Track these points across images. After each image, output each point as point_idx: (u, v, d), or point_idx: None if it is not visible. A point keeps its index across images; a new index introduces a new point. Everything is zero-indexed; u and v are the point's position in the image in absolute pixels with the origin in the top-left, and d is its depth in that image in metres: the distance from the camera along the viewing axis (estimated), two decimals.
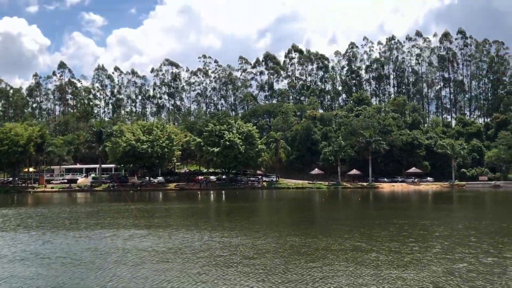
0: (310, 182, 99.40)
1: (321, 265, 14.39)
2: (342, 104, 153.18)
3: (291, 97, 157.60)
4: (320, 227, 25.96)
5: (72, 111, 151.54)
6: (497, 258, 15.19)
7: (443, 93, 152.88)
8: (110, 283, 12.52)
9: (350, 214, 34.23)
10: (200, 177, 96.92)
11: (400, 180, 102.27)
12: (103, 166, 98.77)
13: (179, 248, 17.93)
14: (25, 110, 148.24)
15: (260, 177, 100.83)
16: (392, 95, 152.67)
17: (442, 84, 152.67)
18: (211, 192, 79.64)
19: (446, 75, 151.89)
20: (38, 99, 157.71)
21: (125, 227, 25.80)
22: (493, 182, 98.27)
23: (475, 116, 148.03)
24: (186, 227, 25.97)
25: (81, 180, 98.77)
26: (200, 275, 13.22)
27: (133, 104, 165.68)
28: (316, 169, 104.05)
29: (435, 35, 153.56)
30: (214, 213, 37.70)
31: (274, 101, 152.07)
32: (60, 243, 19.81)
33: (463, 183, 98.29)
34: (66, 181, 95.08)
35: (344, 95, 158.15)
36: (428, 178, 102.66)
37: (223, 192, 77.47)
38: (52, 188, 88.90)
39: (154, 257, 16.15)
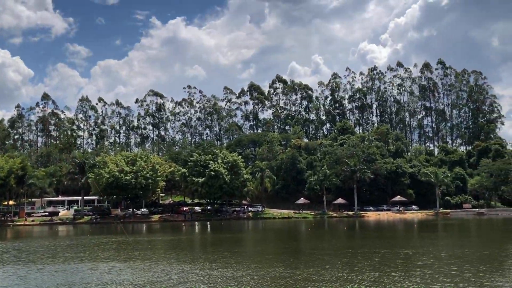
0: (296, 211, 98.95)
1: None
2: (326, 133, 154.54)
3: (276, 126, 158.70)
4: (304, 257, 25.61)
5: (54, 142, 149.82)
6: (478, 287, 15.07)
7: (425, 122, 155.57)
8: None
9: (334, 244, 33.91)
10: (184, 208, 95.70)
11: (385, 208, 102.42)
12: (86, 198, 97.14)
13: (157, 281, 17.45)
14: (7, 142, 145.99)
15: (245, 207, 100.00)
16: (375, 124, 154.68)
17: (424, 113, 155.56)
18: (196, 223, 78.54)
19: (427, 104, 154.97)
20: (20, 130, 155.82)
21: (104, 260, 25.12)
22: (477, 209, 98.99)
23: (457, 144, 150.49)
24: (167, 259, 25.39)
25: (63, 212, 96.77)
26: None
27: (117, 135, 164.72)
28: (302, 198, 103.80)
29: (415, 65, 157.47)
30: (198, 244, 37.05)
31: (259, 131, 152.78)
32: (35, 278, 19.12)
33: (448, 211, 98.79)
34: (47, 213, 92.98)
35: (328, 125, 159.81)
36: (413, 206, 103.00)
37: (208, 223, 76.47)
38: (32, 221, 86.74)
39: None
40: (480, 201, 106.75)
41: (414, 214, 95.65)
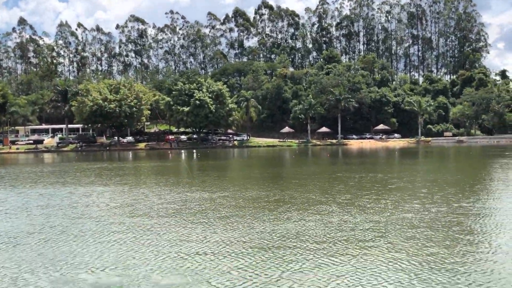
0: (281, 140, 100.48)
1: (269, 215, 14.84)
2: (312, 62, 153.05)
3: (261, 55, 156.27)
4: (281, 181, 26.45)
5: (34, 69, 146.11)
6: (444, 208, 15.92)
7: (411, 50, 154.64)
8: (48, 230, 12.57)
9: (314, 170, 34.92)
10: (170, 137, 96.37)
11: (368, 136, 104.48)
12: (70, 126, 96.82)
13: (134, 203, 18.08)
14: None
15: (231, 136, 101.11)
16: (362, 53, 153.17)
17: (410, 41, 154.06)
18: (182, 151, 79.49)
19: (415, 32, 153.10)
20: None
21: (84, 184, 25.68)
22: (457, 137, 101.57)
23: (441, 74, 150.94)
24: (148, 183, 26.05)
25: (48, 140, 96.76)
26: (151, 226, 13.44)
27: (98, 62, 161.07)
28: (287, 127, 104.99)
29: None
30: (182, 170, 37.80)
31: (245, 59, 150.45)
32: (14, 201, 19.64)
33: (429, 139, 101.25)
34: (31, 141, 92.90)
35: (314, 53, 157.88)
36: (395, 135, 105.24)
37: (194, 151, 77.46)
38: (17, 149, 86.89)
39: (102, 212, 16.26)
40: (461, 129, 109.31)
41: (396, 142, 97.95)
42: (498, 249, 10.64)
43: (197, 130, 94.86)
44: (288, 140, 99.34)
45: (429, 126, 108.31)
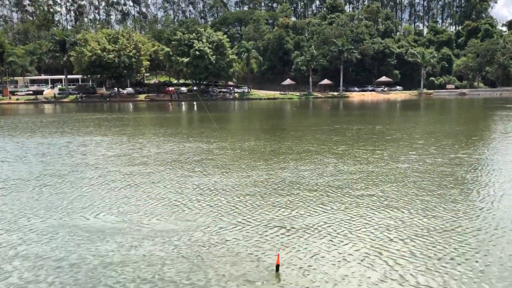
0: (282, 92, 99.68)
1: (265, 165, 14.98)
2: (315, 11, 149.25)
3: (263, 4, 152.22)
4: (279, 133, 26.48)
5: (31, 18, 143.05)
6: (439, 158, 16.00)
7: (416, 0, 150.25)
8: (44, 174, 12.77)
9: (313, 122, 34.89)
10: (170, 88, 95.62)
11: (370, 89, 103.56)
12: (69, 77, 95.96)
13: (130, 153, 18.21)
14: None
15: (231, 88, 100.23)
16: (366, 2, 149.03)
17: None
18: (182, 103, 79.17)
19: None
20: None
21: (83, 134, 25.80)
22: (459, 90, 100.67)
23: (447, 24, 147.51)
24: (146, 134, 26.13)
25: (47, 91, 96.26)
26: (147, 174, 13.59)
27: (96, 11, 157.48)
28: (288, 79, 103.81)
29: None
30: (181, 121, 37.83)
31: (246, 8, 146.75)
32: (10, 150, 19.83)
33: (431, 91, 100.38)
34: (31, 92, 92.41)
35: (317, 2, 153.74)
36: (397, 87, 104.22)
37: (195, 103, 77.15)
38: (17, 99, 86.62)
39: (99, 160, 16.42)
40: (464, 82, 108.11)
41: (398, 95, 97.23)
42: (487, 197, 10.80)
43: (197, 82, 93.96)
44: (289, 92, 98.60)
45: (432, 78, 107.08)
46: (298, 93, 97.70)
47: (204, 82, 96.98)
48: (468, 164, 14.87)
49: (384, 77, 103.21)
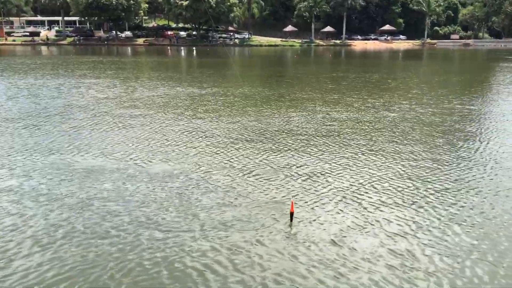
0: (283, 39, 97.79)
1: (256, 110, 15.04)
2: None
3: None
4: (275, 80, 26.31)
5: None
6: (431, 108, 16.02)
7: None
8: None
9: (311, 70, 34.54)
10: (169, 33, 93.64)
11: (373, 37, 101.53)
12: (66, 19, 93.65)
13: (118, 96, 18.20)
14: None
15: (232, 34, 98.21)
16: None
17: None
18: (182, 48, 77.96)
19: None
20: None
21: (76, 77, 25.64)
22: (463, 40, 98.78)
23: None
24: (139, 78, 25.93)
25: (44, 33, 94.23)
26: (136, 116, 13.67)
27: None
28: (290, 26, 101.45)
29: None
30: (178, 66, 37.44)
31: None
32: (3, 88, 19.86)
33: (435, 41, 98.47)
34: (28, 34, 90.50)
35: None
36: (401, 36, 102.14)
37: (194, 48, 75.97)
38: (13, 41, 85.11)
39: (90, 102, 16.46)
40: (469, 32, 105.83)
41: (401, 44, 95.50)
42: (472, 146, 10.91)
43: (197, 26, 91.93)
44: (291, 39, 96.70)
45: (436, 28, 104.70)
46: (299, 41, 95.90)
47: (203, 27, 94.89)
48: (460, 114, 14.91)
49: (387, 25, 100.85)
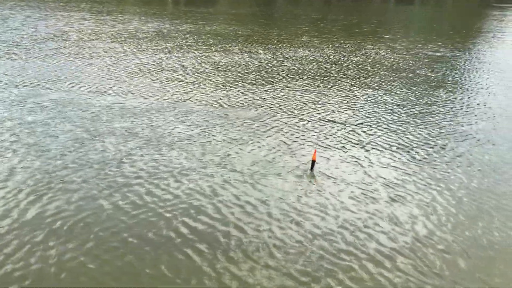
0: None
1: (230, 48, 15.53)
2: None
3: None
4: (253, 17, 26.14)
5: None
6: (396, 54, 16.53)
7: None
8: None
9: (298, 10, 34.27)
10: None
11: None
12: None
13: (92, 29, 18.33)
14: None
15: None
16: None
17: None
18: None
19: None
20: None
21: (49, 10, 25.01)
22: None
23: None
24: (115, 13, 25.46)
25: None
26: (101, 50, 14.04)
27: None
28: None
29: None
30: (164, 2, 36.65)
31: None
32: None
33: None
34: None
35: None
36: None
37: None
38: None
39: (57, 38, 16.51)
40: None
41: None
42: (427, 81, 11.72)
43: None
44: None
45: None
46: None
47: None
48: (428, 60, 15.58)
49: None
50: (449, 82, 12.39)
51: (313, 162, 6.31)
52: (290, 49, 16.21)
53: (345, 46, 17.34)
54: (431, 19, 32.96)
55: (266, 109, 9.29)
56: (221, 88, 10.69)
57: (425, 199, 5.75)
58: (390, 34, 21.41)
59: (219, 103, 9.54)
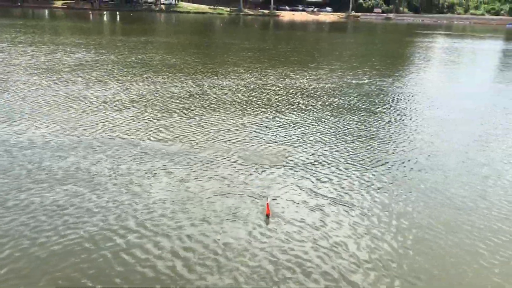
0: (211, 7, 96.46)
1: (155, 77, 15.34)
2: None
3: None
4: (185, 47, 26.36)
5: None
6: (317, 83, 17.05)
7: None
8: None
9: (229, 39, 34.80)
10: None
11: (300, 9, 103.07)
12: None
13: (29, 61, 17.62)
14: None
15: None
16: None
17: None
18: (104, 12, 74.55)
19: None
20: None
21: None
22: (386, 14, 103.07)
23: None
24: (48, 42, 24.86)
25: None
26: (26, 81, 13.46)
27: None
28: None
29: None
30: (96, 32, 36.07)
31: None
32: None
33: (359, 14, 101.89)
34: None
35: None
36: (327, 8, 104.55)
37: (118, 13, 73.01)
38: None
39: None
40: (390, 6, 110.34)
41: (327, 16, 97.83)
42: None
43: None
44: (220, 7, 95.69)
45: (360, 1, 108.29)
46: (228, 9, 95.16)
47: None
48: (337, 88, 16.08)
49: None
50: (373, 109, 12.69)
51: (267, 216, 5.79)
52: (213, 78, 16.13)
53: (270, 74, 17.41)
54: (359, 46, 34.46)
55: (182, 140, 9.03)
56: (137, 119, 10.36)
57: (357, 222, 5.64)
58: (316, 62, 21.91)
59: (136, 134, 9.17)
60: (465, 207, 6.32)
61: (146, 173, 7.04)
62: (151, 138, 8.79)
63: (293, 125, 10.16)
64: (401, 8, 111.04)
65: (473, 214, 6.12)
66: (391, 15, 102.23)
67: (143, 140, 8.66)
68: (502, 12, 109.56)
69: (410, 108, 12.49)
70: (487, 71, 22.67)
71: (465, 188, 6.97)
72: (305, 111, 11.61)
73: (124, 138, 8.76)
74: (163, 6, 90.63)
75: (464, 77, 20.09)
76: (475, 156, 8.53)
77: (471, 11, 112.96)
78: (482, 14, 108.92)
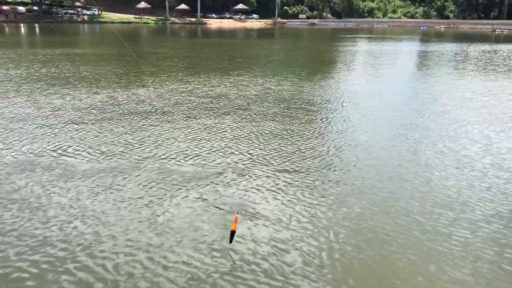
0: (137, 16, 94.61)
1: (72, 90, 14.67)
2: None
3: None
4: (107, 57, 25.60)
5: None
6: (223, 87, 17.13)
7: None
8: None
9: (154, 49, 34.19)
10: (5, 8, 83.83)
11: (228, 16, 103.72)
12: None
13: None
14: None
15: (80, 10, 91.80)
16: None
17: None
18: (21, 25, 70.62)
19: None
20: None
21: None
22: (310, 20, 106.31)
23: None
24: None
25: None
26: None
27: None
28: (143, 2, 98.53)
29: None
30: (9, 46, 33.98)
31: None
32: None
33: (285, 20, 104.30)
34: None
35: None
36: (254, 15, 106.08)
37: (36, 25, 69.46)
38: None
39: None
40: (314, 12, 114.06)
41: (254, 23, 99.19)
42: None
43: (38, 1, 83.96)
44: (145, 17, 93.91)
45: (286, 7, 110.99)
46: (154, 18, 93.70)
47: (46, 2, 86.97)
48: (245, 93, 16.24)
49: (241, 4, 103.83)
50: (290, 113, 12.85)
51: (233, 232, 4.94)
52: (129, 88, 15.73)
53: (190, 81, 17.24)
54: (283, 51, 35.09)
55: (109, 157, 8.63)
56: (60, 134, 9.77)
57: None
58: (239, 70, 21.91)
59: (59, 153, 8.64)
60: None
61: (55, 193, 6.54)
62: (54, 155, 8.24)
63: (207, 131, 9.98)
64: (324, 14, 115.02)
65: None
66: (315, 20, 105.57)
67: (43, 156, 8.09)
68: (417, 15, 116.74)
69: (327, 109, 12.76)
70: (404, 71, 23.78)
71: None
72: (220, 117, 11.48)
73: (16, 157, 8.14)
74: (85, 17, 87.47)
75: (380, 79, 20.92)
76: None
77: (389, 15, 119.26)
78: (399, 18, 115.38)
